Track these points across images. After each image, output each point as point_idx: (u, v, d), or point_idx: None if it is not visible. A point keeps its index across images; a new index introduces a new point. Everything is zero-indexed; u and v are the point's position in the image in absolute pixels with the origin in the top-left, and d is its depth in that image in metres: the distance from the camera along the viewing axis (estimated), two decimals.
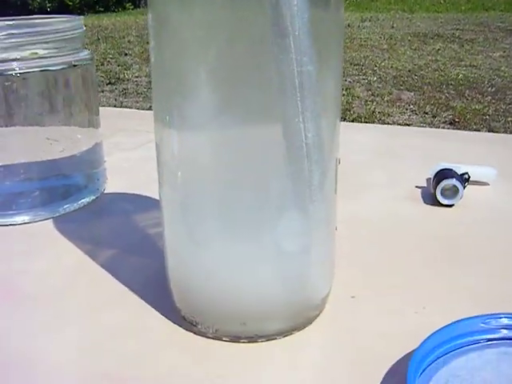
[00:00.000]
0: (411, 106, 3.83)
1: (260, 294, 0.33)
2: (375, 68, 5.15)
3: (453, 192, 0.52)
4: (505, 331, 0.32)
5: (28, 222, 0.51)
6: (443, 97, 4.10)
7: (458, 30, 7.93)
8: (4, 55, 0.47)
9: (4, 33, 0.46)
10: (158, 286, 0.39)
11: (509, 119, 3.55)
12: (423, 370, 0.29)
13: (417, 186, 0.57)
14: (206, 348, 0.34)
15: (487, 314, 0.32)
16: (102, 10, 14.04)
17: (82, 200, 0.54)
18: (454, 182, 0.52)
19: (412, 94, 4.20)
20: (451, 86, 4.44)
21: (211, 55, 0.29)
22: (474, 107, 3.81)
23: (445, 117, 3.59)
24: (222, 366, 0.32)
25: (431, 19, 9.21)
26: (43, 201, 0.52)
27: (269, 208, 0.32)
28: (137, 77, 5.11)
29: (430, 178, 0.55)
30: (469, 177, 0.55)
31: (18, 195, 0.52)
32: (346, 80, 4.63)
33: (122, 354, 0.33)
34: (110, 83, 4.84)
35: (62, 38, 0.50)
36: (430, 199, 0.54)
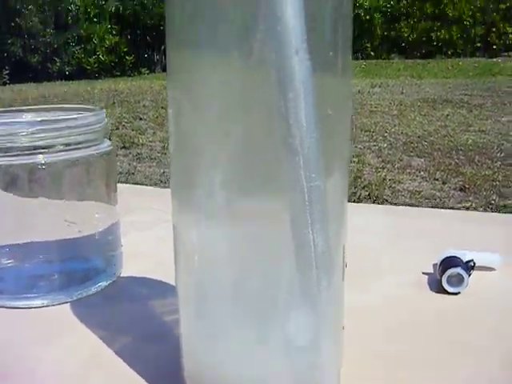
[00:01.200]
0: (421, 173, 3.86)
1: None
2: (385, 134, 5.21)
3: (459, 280, 0.54)
4: None
5: (46, 306, 0.53)
6: (453, 163, 4.13)
7: (466, 95, 8.03)
8: (32, 149, 0.50)
9: (33, 129, 0.49)
10: (173, 375, 0.40)
11: None
12: None
13: (424, 273, 0.59)
14: None
15: None
16: (118, 74, 14.35)
17: (100, 284, 0.56)
18: (459, 270, 0.53)
19: (422, 160, 4.23)
20: (461, 152, 4.48)
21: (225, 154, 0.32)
22: (483, 173, 3.83)
23: (455, 183, 3.61)
24: None
25: (440, 85, 9.33)
26: (62, 284, 0.54)
27: (278, 301, 0.34)
28: (151, 141, 5.19)
29: (437, 264, 0.57)
30: (474, 264, 0.56)
31: (38, 278, 0.54)
32: (357, 147, 4.68)
33: None
34: (124, 147, 4.92)
35: (86, 132, 0.52)
36: (437, 286, 0.55)
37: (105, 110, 0.58)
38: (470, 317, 0.51)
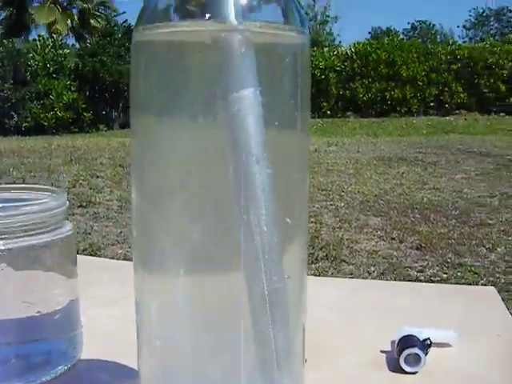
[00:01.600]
0: (378, 232, 3.91)
1: None
2: (342, 193, 5.28)
3: (416, 359, 0.55)
4: None
5: None
6: (409, 221, 4.20)
7: (420, 153, 8.21)
8: None
9: None
10: None
11: (473, 242, 3.64)
12: None
13: (382, 351, 0.60)
14: None
15: None
16: (76, 130, 14.32)
17: (59, 367, 0.55)
18: (416, 350, 0.55)
19: (379, 219, 4.29)
20: (416, 210, 4.56)
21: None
22: (439, 231, 3.90)
23: (411, 242, 3.67)
24: None
25: (395, 143, 9.53)
26: (19, 370, 0.53)
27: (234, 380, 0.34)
28: (108, 200, 5.16)
29: (395, 342, 0.58)
30: (431, 342, 0.57)
31: None
32: (314, 206, 4.72)
33: None
34: (81, 206, 4.88)
35: (47, 217, 0.53)
36: (395, 365, 0.56)
37: (66, 193, 0.58)
38: None
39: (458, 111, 15.56)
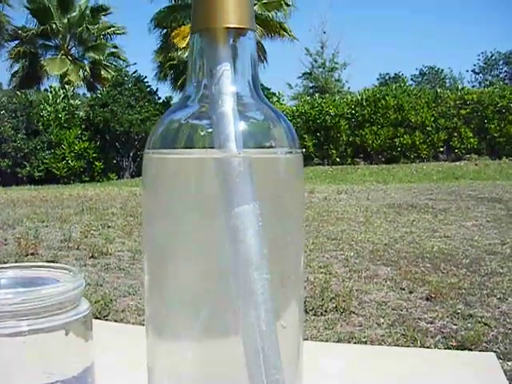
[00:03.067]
0: (388, 282, 3.92)
1: None
2: (352, 242, 5.30)
3: None
4: None
5: None
6: (419, 271, 4.21)
7: (431, 199, 8.24)
8: (16, 318, 0.54)
9: (19, 299, 0.54)
10: None
11: (484, 292, 3.64)
12: None
13: None
14: None
15: None
16: (87, 179, 14.49)
17: None
18: None
19: (388, 269, 4.30)
20: (427, 259, 4.57)
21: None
22: (449, 281, 3.90)
23: (421, 292, 3.67)
24: None
25: (405, 189, 9.57)
26: None
27: None
28: (119, 251, 5.21)
29: None
30: None
31: None
32: (324, 256, 4.75)
33: None
34: (92, 257, 4.93)
35: (66, 298, 0.57)
36: None
37: (82, 272, 0.62)
38: None
39: (468, 156, 15.63)
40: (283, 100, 22.98)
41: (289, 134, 0.38)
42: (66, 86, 16.50)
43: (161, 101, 16.65)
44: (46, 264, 0.66)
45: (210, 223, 0.36)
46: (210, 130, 0.36)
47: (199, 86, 0.38)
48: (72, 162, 14.39)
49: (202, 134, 0.37)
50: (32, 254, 5.02)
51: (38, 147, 14.54)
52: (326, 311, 3.28)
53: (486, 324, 3.05)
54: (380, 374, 0.77)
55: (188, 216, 0.37)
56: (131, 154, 14.71)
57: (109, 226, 6.55)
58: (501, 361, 2.55)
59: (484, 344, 2.76)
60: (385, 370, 0.78)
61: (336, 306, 3.35)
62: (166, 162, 0.38)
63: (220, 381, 0.38)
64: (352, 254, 4.83)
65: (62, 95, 15.35)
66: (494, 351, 2.63)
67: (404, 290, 3.74)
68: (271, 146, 0.37)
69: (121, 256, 5.01)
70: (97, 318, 2.98)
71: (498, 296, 3.56)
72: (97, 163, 14.64)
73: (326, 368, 0.78)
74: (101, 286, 4.00)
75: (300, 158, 0.39)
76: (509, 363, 2.56)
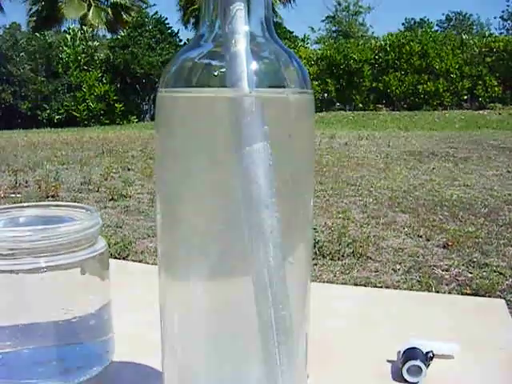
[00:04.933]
0: (405, 229, 3.93)
1: None
2: (371, 189, 5.30)
3: (418, 371, 0.59)
4: None
5: None
6: (437, 219, 4.21)
7: (452, 148, 8.18)
8: (34, 254, 0.55)
9: (36, 236, 0.55)
10: None
11: (501, 242, 3.64)
12: None
13: (388, 360, 0.64)
14: None
15: None
16: (107, 122, 14.51)
17: (94, 369, 0.61)
18: (418, 363, 0.59)
19: (407, 216, 4.31)
20: (445, 208, 4.57)
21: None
22: (467, 230, 3.91)
23: (438, 240, 3.68)
24: None
25: (426, 137, 9.50)
26: (60, 371, 0.59)
27: None
28: (139, 193, 5.25)
29: (400, 352, 0.63)
30: (433, 355, 0.62)
31: (38, 364, 0.59)
32: (343, 201, 4.77)
33: None
34: (112, 199, 4.98)
35: (83, 235, 0.58)
36: (398, 375, 0.61)
37: (99, 212, 0.64)
38: None
39: (492, 105, 15.41)
40: (307, 43, 22.67)
41: (300, 74, 0.38)
42: (84, 28, 16.38)
43: (182, 43, 16.51)
44: (63, 203, 0.67)
45: (222, 163, 0.37)
46: (222, 70, 0.36)
47: (213, 26, 0.38)
48: (92, 104, 14.40)
49: (215, 73, 0.37)
50: (52, 196, 5.08)
51: (59, 89, 14.54)
52: (342, 256, 3.31)
53: (501, 273, 3.06)
54: (389, 316, 0.78)
55: (199, 155, 0.37)
56: (152, 97, 14.67)
57: (129, 169, 6.60)
58: None
59: (498, 293, 2.78)
60: (394, 312, 0.80)
61: (353, 252, 3.38)
62: (179, 101, 0.38)
63: (229, 317, 0.39)
64: (371, 200, 4.84)
65: (81, 37, 15.26)
66: (508, 300, 2.65)
67: (421, 237, 3.76)
68: (283, 86, 0.38)
69: (140, 198, 5.05)
70: (116, 258, 3.04)
71: None
72: (117, 105, 14.63)
73: (335, 309, 0.80)
74: (120, 228, 4.05)
75: (311, 99, 0.39)
76: None
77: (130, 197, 5.10)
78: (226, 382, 0.40)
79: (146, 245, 3.60)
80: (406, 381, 0.60)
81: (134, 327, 0.72)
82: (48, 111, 14.44)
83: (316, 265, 3.15)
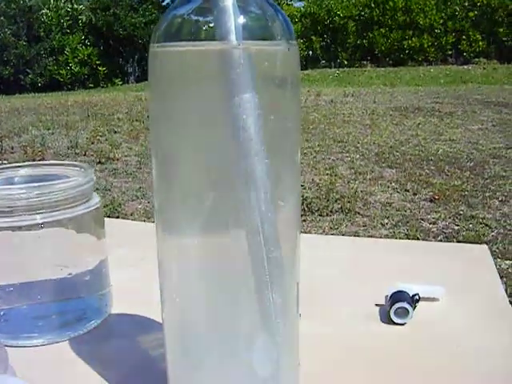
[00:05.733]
0: (393, 184, 3.97)
1: None
2: (358, 145, 5.33)
3: (404, 312, 0.62)
4: None
5: (46, 344, 0.60)
6: (423, 173, 4.25)
7: (437, 103, 8.19)
8: (31, 211, 0.57)
9: (32, 193, 0.57)
10: None
11: (486, 194, 3.69)
12: None
13: (376, 304, 0.67)
14: None
15: None
16: (91, 85, 14.37)
17: (93, 322, 0.63)
18: (405, 304, 0.62)
19: (393, 171, 4.35)
20: (431, 162, 4.61)
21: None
22: (453, 183, 3.95)
23: (425, 194, 3.73)
24: None
25: (411, 93, 9.50)
26: (59, 324, 0.61)
27: (244, 336, 0.42)
28: (126, 156, 5.25)
29: (387, 296, 0.65)
30: (419, 297, 0.65)
31: (38, 319, 0.61)
32: (330, 158, 4.79)
33: None
34: (100, 162, 4.97)
35: (78, 192, 0.60)
36: (386, 317, 0.64)
37: (93, 168, 0.65)
38: (414, 343, 0.59)
39: (476, 60, 15.37)
40: (291, 1, 22.42)
41: (286, 27, 0.40)
42: None
43: (165, 3, 16.29)
44: (57, 162, 0.69)
45: (213, 113, 0.39)
46: (211, 25, 0.38)
47: None
48: (76, 68, 14.24)
49: (204, 28, 0.39)
50: (39, 161, 5.04)
51: (41, 53, 14.36)
52: (331, 212, 3.35)
53: (486, 225, 3.11)
54: (377, 264, 0.81)
55: (191, 106, 0.39)
56: (136, 58, 14.53)
57: (115, 132, 6.57)
58: (499, 259, 2.62)
59: (484, 244, 2.82)
60: (382, 260, 0.82)
61: (341, 207, 3.41)
62: (170, 55, 0.40)
63: (224, 265, 0.41)
64: (358, 156, 4.87)
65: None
66: (494, 251, 2.70)
67: (408, 191, 3.80)
68: (270, 39, 0.39)
69: (128, 161, 5.05)
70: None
71: (500, 198, 3.62)
72: (100, 69, 14.47)
73: (325, 258, 0.82)
74: (109, 190, 4.06)
75: (297, 52, 0.41)
76: (506, 262, 2.63)
77: (118, 159, 5.09)
78: (223, 325, 0.42)
79: (135, 207, 3.62)
80: (393, 322, 0.63)
81: (131, 282, 0.74)
82: (31, 76, 14.26)
83: (305, 221, 3.18)
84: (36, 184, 0.59)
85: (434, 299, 0.68)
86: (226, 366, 0.43)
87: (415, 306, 0.64)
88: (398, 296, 0.64)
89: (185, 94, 0.39)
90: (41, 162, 0.69)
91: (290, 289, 0.43)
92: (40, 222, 0.58)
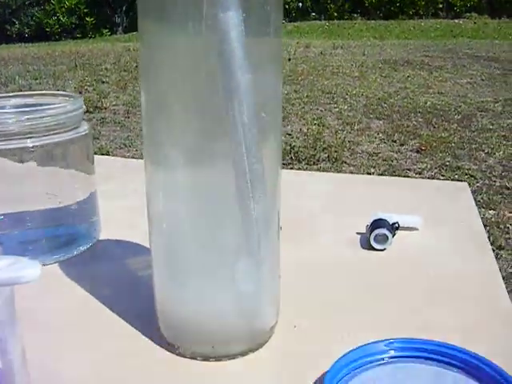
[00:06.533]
0: (380, 135, 3.98)
1: (223, 323, 0.46)
2: (346, 96, 5.31)
3: (384, 239, 0.65)
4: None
5: None
6: (411, 125, 4.26)
7: (427, 56, 8.14)
8: (21, 135, 0.59)
9: (23, 118, 0.58)
10: (149, 318, 0.50)
11: (473, 146, 3.72)
12: (339, 380, 0.41)
13: (357, 233, 0.69)
14: (185, 365, 0.45)
15: (387, 339, 0.44)
16: (79, 36, 14.15)
17: (81, 247, 0.65)
18: (384, 231, 0.64)
19: (381, 122, 4.35)
20: (419, 114, 4.61)
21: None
22: (440, 135, 3.97)
23: (412, 145, 3.75)
24: (197, 379, 0.44)
25: (401, 46, 9.43)
26: (49, 248, 0.63)
27: (228, 254, 0.45)
28: (114, 105, 5.21)
29: (368, 225, 0.68)
30: (399, 225, 0.67)
31: (28, 243, 0.63)
32: (318, 109, 4.78)
33: (122, 369, 0.45)
34: (88, 111, 4.94)
35: (67, 118, 0.62)
36: (367, 244, 0.66)
37: (82, 97, 0.67)
38: (392, 267, 0.62)
39: (468, 14, 15.23)
40: None
41: None
42: None
43: None
44: (47, 92, 0.70)
45: (199, 32, 0.40)
46: None
47: None
48: (63, 17, 14.00)
49: None
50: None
51: (27, 3, 14.10)
52: (318, 161, 3.37)
53: (472, 176, 3.14)
54: (359, 198, 0.83)
55: (178, 25, 0.40)
56: (124, 9, 14.31)
57: (103, 82, 6.50)
58: (483, 209, 2.66)
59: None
60: (364, 194, 0.85)
61: (328, 156, 3.43)
62: None
63: (209, 190, 0.43)
64: (346, 107, 4.86)
65: None
66: (478, 201, 2.73)
67: (395, 142, 3.82)
68: None
69: (116, 110, 5.02)
70: None
71: (486, 151, 3.64)
72: (88, 19, 14.24)
73: (313, 191, 0.85)
74: (97, 139, 4.05)
75: None
76: (490, 211, 2.67)
77: (106, 109, 5.06)
78: (208, 244, 0.45)
79: (123, 154, 3.62)
80: (373, 248, 0.65)
81: (120, 213, 0.76)
82: (17, 25, 14.03)
83: (292, 169, 3.20)
84: (27, 109, 0.60)
85: (413, 229, 0.70)
86: (209, 284, 0.45)
87: (394, 234, 0.66)
88: (378, 223, 0.66)
89: (171, 16, 0.40)
90: (31, 92, 0.71)
91: (272, 202, 0.45)
92: (30, 145, 0.59)
